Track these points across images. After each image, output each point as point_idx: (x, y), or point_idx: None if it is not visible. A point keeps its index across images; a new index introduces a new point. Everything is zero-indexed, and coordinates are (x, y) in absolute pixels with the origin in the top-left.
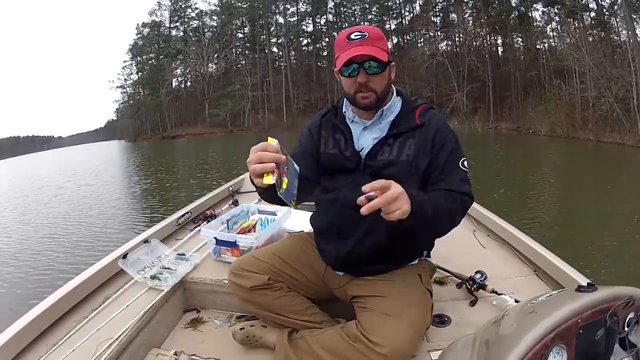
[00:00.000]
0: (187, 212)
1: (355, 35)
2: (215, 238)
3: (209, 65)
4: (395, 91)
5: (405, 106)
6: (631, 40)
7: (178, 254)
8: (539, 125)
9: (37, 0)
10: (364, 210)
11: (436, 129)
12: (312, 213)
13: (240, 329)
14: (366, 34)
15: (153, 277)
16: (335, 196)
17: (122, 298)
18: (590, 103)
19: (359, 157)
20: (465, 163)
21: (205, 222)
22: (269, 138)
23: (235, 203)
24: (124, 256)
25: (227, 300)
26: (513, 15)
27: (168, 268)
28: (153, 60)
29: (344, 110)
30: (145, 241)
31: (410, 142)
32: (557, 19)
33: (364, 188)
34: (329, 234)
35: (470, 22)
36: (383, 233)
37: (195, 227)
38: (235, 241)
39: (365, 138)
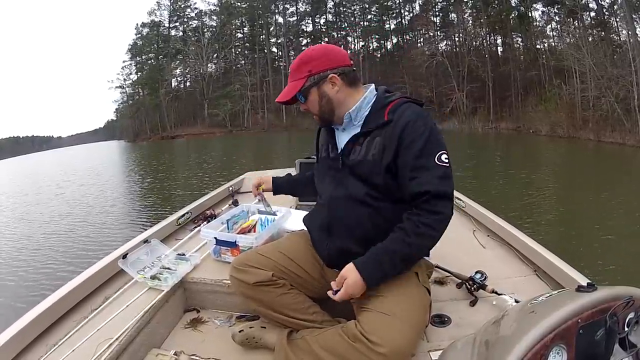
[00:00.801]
0: (187, 212)
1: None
2: (215, 238)
3: (209, 65)
4: (371, 90)
5: (376, 104)
6: (631, 40)
7: (178, 254)
8: (539, 125)
9: (37, 0)
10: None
11: (405, 124)
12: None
13: (240, 331)
14: (289, 70)
15: (153, 277)
16: (323, 195)
17: (122, 298)
18: (591, 103)
19: (339, 157)
20: (444, 157)
21: (205, 222)
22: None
23: (235, 203)
24: (124, 256)
25: (227, 300)
26: (513, 15)
27: (168, 268)
28: (152, 60)
29: None
30: (145, 241)
31: (377, 140)
32: (557, 18)
33: (333, 285)
34: (320, 232)
35: (470, 21)
36: (369, 226)
37: (195, 227)
38: (235, 241)
39: (342, 139)
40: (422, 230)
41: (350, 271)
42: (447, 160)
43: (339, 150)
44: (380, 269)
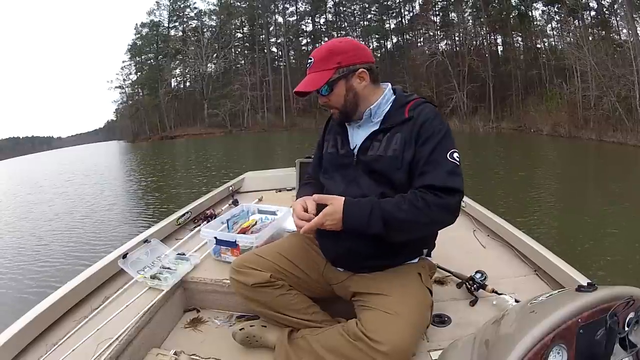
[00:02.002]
0: (187, 212)
1: (308, 63)
2: (216, 238)
3: (208, 65)
4: (390, 89)
5: (396, 103)
6: (632, 40)
7: (178, 254)
8: (540, 125)
9: (37, 0)
10: (301, 232)
11: (424, 121)
12: None
13: (240, 330)
14: (312, 60)
15: (153, 277)
16: (331, 193)
17: (122, 298)
18: (592, 102)
19: (352, 154)
20: (455, 155)
21: (205, 222)
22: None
23: (235, 203)
24: (124, 256)
25: (227, 300)
26: (513, 14)
27: (168, 268)
28: (152, 61)
29: None
30: (145, 241)
31: (397, 136)
32: (558, 17)
33: (314, 197)
34: (327, 232)
35: (470, 21)
36: None
37: (195, 227)
38: (235, 241)
39: (358, 136)
40: (420, 204)
41: (337, 200)
42: (457, 158)
43: (352, 147)
44: (361, 215)
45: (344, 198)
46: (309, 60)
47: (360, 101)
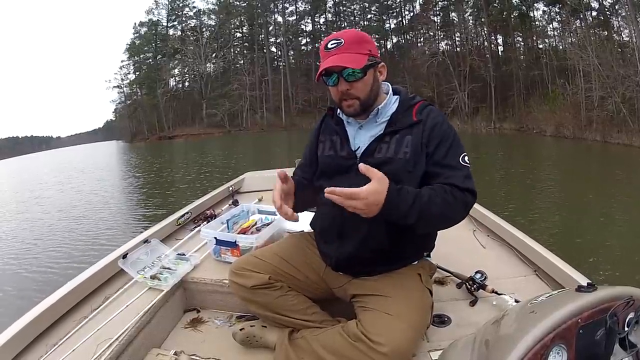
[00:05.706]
0: (187, 212)
1: (331, 44)
2: (216, 238)
3: (207, 64)
4: (392, 90)
5: (402, 104)
6: (636, 40)
7: (178, 254)
8: (543, 126)
9: (36, 0)
10: (327, 193)
11: (434, 124)
12: (312, 215)
13: (241, 330)
14: (342, 40)
15: (153, 277)
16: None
17: (122, 298)
18: (595, 103)
19: (355, 156)
20: (467, 158)
21: (205, 222)
22: None
23: (235, 203)
24: (124, 256)
25: (227, 300)
26: (514, 15)
27: (168, 268)
28: (150, 60)
29: (338, 112)
30: (145, 241)
31: (407, 139)
32: (559, 18)
33: (360, 166)
34: (328, 236)
35: (471, 21)
36: (384, 236)
37: (195, 227)
38: (236, 241)
39: (361, 137)
40: (450, 199)
41: (383, 179)
42: (469, 162)
43: (356, 150)
44: (405, 203)
45: (388, 180)
46: (338, 41)
47: (377, 95)
